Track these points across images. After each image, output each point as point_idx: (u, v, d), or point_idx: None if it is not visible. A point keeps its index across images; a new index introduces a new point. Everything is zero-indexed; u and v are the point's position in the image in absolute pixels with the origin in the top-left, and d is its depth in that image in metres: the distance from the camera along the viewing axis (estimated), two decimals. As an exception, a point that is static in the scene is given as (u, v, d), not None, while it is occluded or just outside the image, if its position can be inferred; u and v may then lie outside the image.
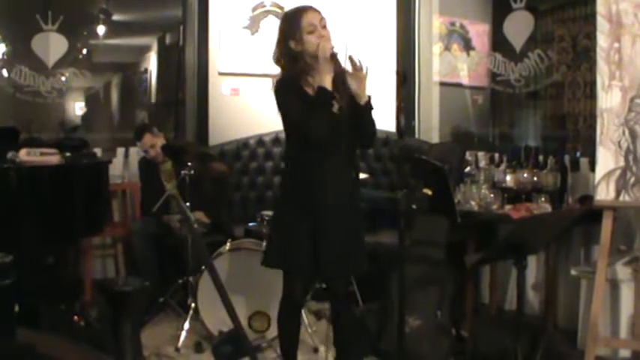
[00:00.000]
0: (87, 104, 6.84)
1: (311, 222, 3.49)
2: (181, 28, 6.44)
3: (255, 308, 4.57)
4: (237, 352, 3.25)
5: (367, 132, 3.60)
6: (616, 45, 4.06)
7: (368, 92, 3.48)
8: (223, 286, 3.43)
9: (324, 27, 3.48)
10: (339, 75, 3.45)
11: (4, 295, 2.31)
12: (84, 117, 6.88)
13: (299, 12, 3.51)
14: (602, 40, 4.08)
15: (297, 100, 3.47)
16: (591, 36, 5.19)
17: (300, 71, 3.50)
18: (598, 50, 4.11)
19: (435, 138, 6.75)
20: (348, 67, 3.43)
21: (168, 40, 7.17)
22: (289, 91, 3.51)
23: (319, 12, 3.52)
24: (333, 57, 3.39)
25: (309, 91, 3.50)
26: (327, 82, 3.41)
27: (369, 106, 3.48)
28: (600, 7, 4.09)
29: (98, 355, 2.05)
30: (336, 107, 3.39)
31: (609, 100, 4.05)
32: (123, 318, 4.01)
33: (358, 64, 3.38)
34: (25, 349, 2.21)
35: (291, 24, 3.50)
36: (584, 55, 5.84)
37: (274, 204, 3.87)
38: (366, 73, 3.40)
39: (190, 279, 4.89)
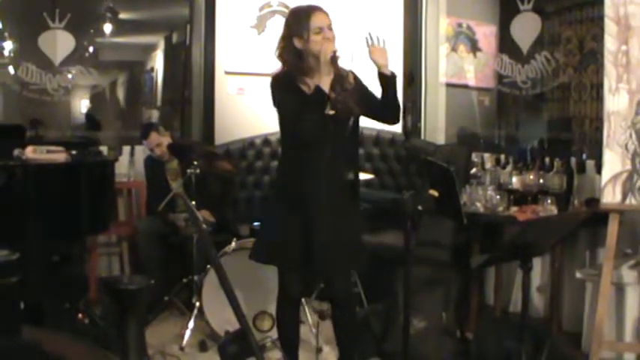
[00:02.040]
0: (93, 102, 6.84)
1: (302, 218, 3.50)
2: (188, 26, 6.44)
3: (260, 308, 4.57)
4: (244, 352, 3.23)
5: (394, 104, 3.64)
6: (624, 47, 4.06)
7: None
8: (231, 285, 3.42)
9: (330, 29, 3.51)
10: (339, 78, 3.47)
11: (10, 293, 2.31)
12: (90, 115, 6.88)
13: (308, 11, 3.52)
14: (610, 43, 4.08)
15: (291, 98, 3.51)
16: (598, 38, 5.19)
17: (301, 69, 3.51)
18: (605, 53, 4.10)
19: (440, 139, 6.74)
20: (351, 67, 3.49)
21: (174, 38, 7.17)
22: (285, 87, 3.55)
23: (327, 13, 3.54)
24: (334, 60, 3.41)
25: (305, 89, 3.51)
26: (325, 84, 3.45)
27: (394, 75, 3.53)
28: (608, 10, 4.09)
29: (103, 354, 2.05)
30: (328, 109, 3.40)
31: (616, 102, 4.05)
32: (128, 316, 4.01)
33: (376, 40, 3.47)
34: (30, 347, 2.21)
35: (299, 22, 3.51)
36: (590, 58, 5.83)
37: (266, 199, 3.89)
38: (384, 45, 3.50)
39: (195, 278, 4.90)
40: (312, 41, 3.46)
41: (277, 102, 3.58)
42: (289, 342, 3.84)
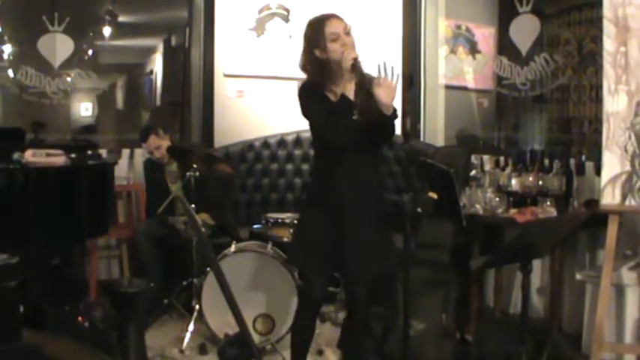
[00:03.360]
0: (92, 105, 6.85)
1: (336, 223, 3.49)
2: (187, 29, 6.44)
3: (260, 311, 4.56)
4: (243, 355, 3.25)
5: (385, 138, 3.62)
6: (622, 49, 4.06)
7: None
8: (230, 288, 3.43)
9: (348, 34, 3.47)
10: (363, 83, 3.44)
11: (10, 296, 2.32)
12: (89, 118, 6.89)
13: (322, 20, 3.50)
14: (609, 44, 4.08)
15: (319, 106, 3.49)
16: (597, 40, 5.19)
17: (326, 79, 3.50)
18: (604, 54, 4.10)
19: (440, 141, 6.74)
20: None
21: (173, 41, 7.18)
22: (312, 96, 3.52)
23: (342, 19, 3.51)
24: (354, 66, 3.38)
25: (332, 97, 3.51)
26: (349, 91, 3.43)
27: (393, 116, 3.42)
28: (607, 11, 4.09)
29: (103, 357, 2.05)
30: (356, 115, 3.38)
31: (615, 104, 4.05)
32: (127, 319, 4.02)
33: (387, 72, 3.32)
34: (31, 350, 2.21)
35: (315, 32, 3.49)
36: (589, 59, 5.84)
37: (301, 204, 3.87)
38: (396, 82, 3.32)
39: (195, 281, 4.89)
40: (331, 49, 3.44)
41: (305, 111, 3.55)
42: (302, 348, 3.82)
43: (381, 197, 3.66)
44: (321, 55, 3.47)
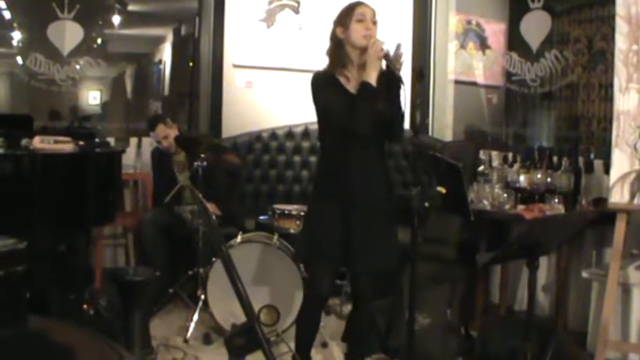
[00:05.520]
0: (101, 94, 6.84)
1: (343, 214, 3.48)
2: (197, 19, 6.44)
3: (265, 302, 4.55)
4: (250, 345, 3.24)
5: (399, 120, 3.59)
6: (634, 47, 4.04)
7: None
8: (240, 277, 3.42)
9: (375, 24, 3.54)
10: (387, 76, 3.44)
11: (17, 282, 2.31)
12: (97, 106, 6.88)
13: (355, 3, 3.59)
14: (621, 42, 4.06)
15: (335, 93, 3.49)
16: (607, 38, 5.17)
17: (339, 59, 3.51)
18: (616, 52, 4.09)
19: (448, 136, 6.73)
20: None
21: (183, 31, 7.16)
22: (328, 84, 3.52)
23: (372, 9, 3.61)
24: (387, 57, 3.39)
25: (344, 82, 3.51)
26: (373, 78, 3.41)
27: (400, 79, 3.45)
28: (619, 9, 4.07)
29: (110, 343, 2.04)
30: (380, 104, 3.37)
31: (626, 102, 4.03)
32: (132, 308, 4.02)
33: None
34: (36, 335, 2.21)
35: (344, 12, 3.56)
36: (599, 57, 5.81)
37: (309, 197, 3.87)
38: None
39: (200, 270, 4.89)
40: (353, 29, 3.50)
41: (320, 99, 3.55)
42: (306, 341, 3.83)
43: (389, 191, 3.65)
44: (341, 35, 3.51)
